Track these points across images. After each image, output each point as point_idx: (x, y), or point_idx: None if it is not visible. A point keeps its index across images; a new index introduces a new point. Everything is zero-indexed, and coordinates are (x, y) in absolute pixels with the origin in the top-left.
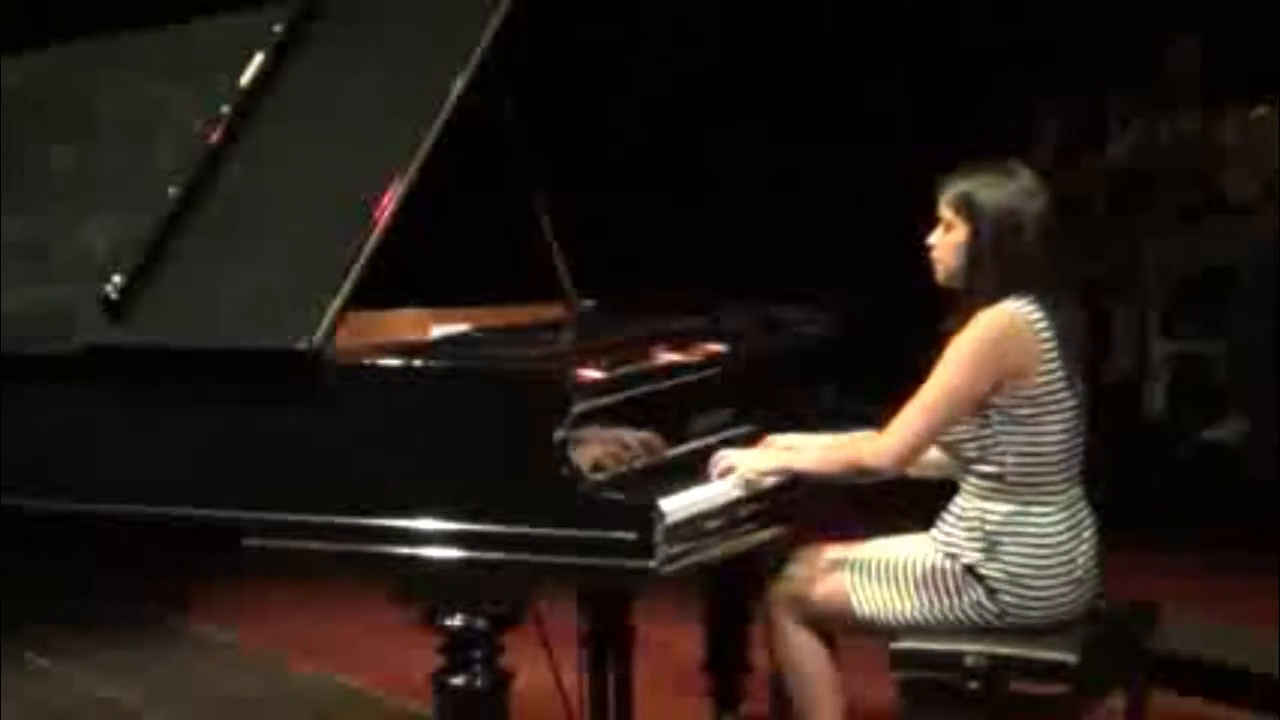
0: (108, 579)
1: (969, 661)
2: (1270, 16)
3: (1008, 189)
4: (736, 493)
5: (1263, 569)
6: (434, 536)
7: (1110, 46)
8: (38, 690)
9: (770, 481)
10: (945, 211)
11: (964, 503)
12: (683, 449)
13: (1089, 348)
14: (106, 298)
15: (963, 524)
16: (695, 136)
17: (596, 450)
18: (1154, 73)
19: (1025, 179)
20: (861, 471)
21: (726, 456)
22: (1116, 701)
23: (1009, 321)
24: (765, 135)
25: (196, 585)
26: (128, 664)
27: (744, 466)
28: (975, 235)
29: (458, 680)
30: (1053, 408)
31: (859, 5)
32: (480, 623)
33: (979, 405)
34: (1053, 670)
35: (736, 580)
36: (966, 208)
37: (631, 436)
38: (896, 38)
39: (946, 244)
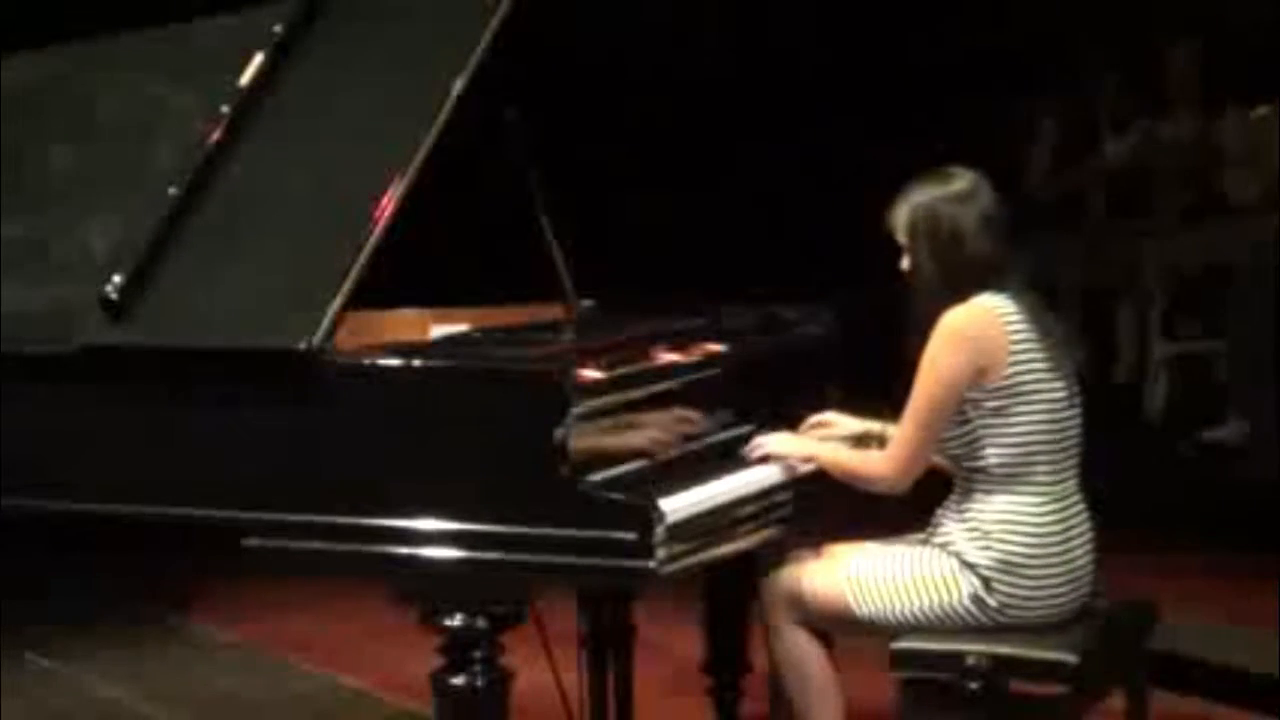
0: (108, 579)
1: (969, 661)
2: (1270, 16)
3: (935, 192)
4: (742, 491)
5: (1263, 569)
6: (434, 536)
7: (1110, 46)
8: (38, 690)
9: (806, 468)
10: (898, 237)
11: (957, 499)
12: (683, 449)
13: (1073, 341)
14: (106, 298)
15: (957, 519)
16: (695, 137)
17: (596, 450)
18: (1154, 73)
19: (959, 181)
20: (867, 484)
21: (763, 444)
22: (1116, 701)
23: (966, 317)
24: (764, 134)
25: (196, 585)
26: (128, 664)
27: (775, 448)
28: (912, 240)
29: (458, 680)
30: (1031, 398)
31: (858, 5)
32: (480, 623)
33: (961, 402)
34: (1053, 670)
35: (736, 580)
36: (904, 220)
37: (632, 436)
38: (896, 37)
39: (909, 263)
